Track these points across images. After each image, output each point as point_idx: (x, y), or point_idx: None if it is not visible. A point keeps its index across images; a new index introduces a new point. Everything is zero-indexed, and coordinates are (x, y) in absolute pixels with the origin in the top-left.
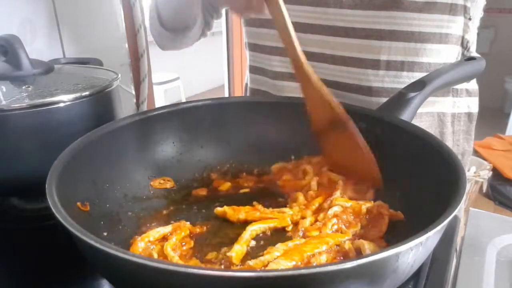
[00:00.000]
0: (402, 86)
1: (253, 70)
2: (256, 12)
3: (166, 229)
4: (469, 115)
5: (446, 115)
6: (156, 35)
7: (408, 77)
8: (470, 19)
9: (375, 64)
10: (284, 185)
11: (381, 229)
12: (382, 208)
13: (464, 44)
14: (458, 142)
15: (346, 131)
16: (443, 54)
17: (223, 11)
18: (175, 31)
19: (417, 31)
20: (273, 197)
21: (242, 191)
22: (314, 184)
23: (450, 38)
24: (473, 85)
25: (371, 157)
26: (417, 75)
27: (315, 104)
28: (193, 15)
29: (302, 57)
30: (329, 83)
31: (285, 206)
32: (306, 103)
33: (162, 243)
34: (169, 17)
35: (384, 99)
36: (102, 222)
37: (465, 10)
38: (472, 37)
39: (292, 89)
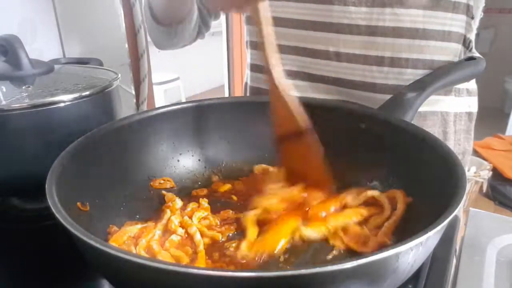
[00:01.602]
0: (406, 83)
1: (255, 68)
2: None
3: (134, 230)
4: (469, 114)
5: (449, 114)
6: (151, 31)
7: (412, 74)
8: (472, 18)
9: (379, 61)
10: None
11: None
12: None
13: (466, 43)
14: (459, 141)
15: (305, 141)
16: (446, 52)
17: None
18: (168, 25)
19: (421, 28)
20: None
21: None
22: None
23: (452, 36)
24: (472, 84)
25: (323, 168)
26: (421, 72)
27: (282, 114)
28: (186, 9)
29: (275, 67)
30: (332, 80)
31: None
32: (272, 112)
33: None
34: (161, 9)
35: (388, 96)
36: (102, 222)
37: (467, 8)
38: (472, 37)
39: (296, 87)
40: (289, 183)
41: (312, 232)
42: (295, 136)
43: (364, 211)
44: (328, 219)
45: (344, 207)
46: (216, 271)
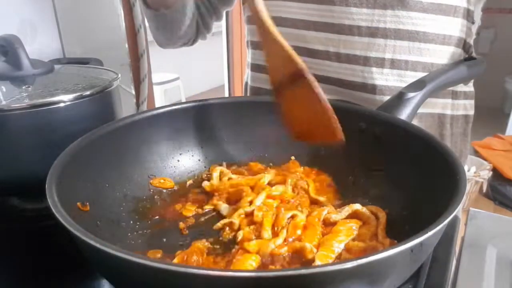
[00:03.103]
0: (406, 85)
1: (255, 68)
2: None
3: None
4: (465, 117)
5: (446, 116)
6: (148, 22)
7: (412, 77)
8: (473, 22)
9: (379, 62)
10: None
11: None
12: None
13: (465, 48)
14: (456, 144)
15: (305, 85)
16: (446, 56)
17: (224, 13)
18: (156, 9)
19: (422, 31)
20: None
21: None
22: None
23: (452, 40)
24: (470, 87)
25: (329, 108)
26: (420, 75)
27: (275, 58)
28: None
29: (261, 7)
30: (333, 81)
31: None
32: (265, 58)
33: None
34: None
35: (388, 98)
36: (102, 222)
37: (468, 13)
38: (472, 42)
39: None
40: (297, 139)
41: (321, 263)
42: (293, 80)
43: (353, 225)
44: (327, 243)
45: (332, 223)
46: (216, 271)
